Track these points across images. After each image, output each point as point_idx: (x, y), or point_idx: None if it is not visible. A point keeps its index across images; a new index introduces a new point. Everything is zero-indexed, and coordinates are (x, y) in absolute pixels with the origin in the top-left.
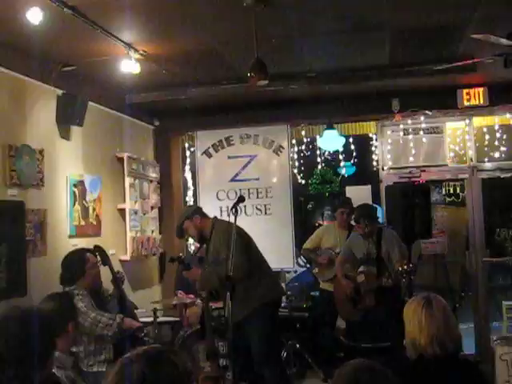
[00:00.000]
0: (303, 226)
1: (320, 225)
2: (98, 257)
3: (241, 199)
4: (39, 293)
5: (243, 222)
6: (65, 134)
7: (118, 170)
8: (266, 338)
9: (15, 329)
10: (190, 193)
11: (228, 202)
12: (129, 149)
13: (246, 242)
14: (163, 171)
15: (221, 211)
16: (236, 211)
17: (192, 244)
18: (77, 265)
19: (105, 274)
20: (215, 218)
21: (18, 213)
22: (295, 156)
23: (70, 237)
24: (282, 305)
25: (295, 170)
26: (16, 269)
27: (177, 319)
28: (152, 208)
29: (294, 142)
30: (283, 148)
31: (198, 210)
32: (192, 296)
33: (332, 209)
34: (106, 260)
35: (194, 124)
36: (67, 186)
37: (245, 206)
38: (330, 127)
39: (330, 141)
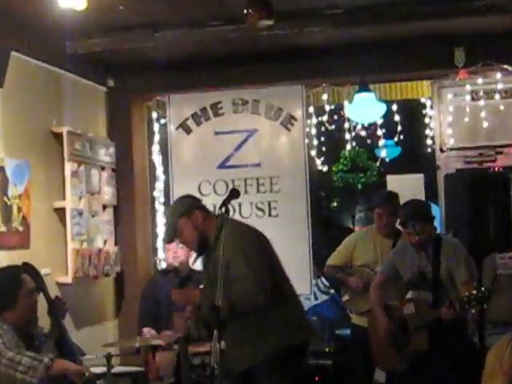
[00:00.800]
0: (325, 234)
1: (351, 231)
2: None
3: (233, 194)
4: None
5: None
6: None
7: (54, 151)
8: None
9: None
10: (159, 185)
11: (215, 197)
12: (70, 121)
13: (266, 253)
14: (120, 153)
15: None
16: (227, 211)
17: (162, 260)
18: (6, 290)
19: (39, 303)
20: (223, 215)
21: None
22: (313, 131)
23: None
24: None
25: (313, 152)
26: None
27: (140, 369)
28: (105, 207)
29: (311, 110)
30: (296, 119)
31: (197, 204)
32: (167, 334)
33: (368, 208)
34: (39, 284)
35: (165, 84)
36: None
37: (239, 205)
38: (364, 89)
39: (364, 109)
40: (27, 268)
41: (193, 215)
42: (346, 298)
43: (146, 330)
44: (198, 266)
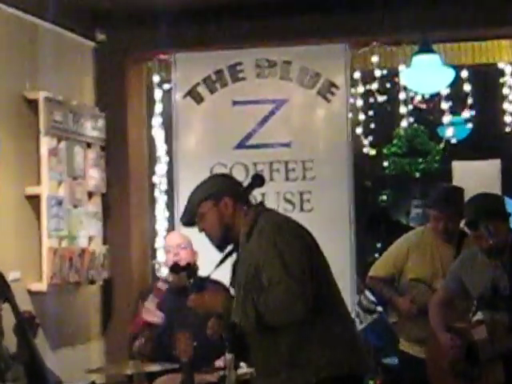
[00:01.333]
0: (371, 236)
1: (405, 229)
2: None
3: (256, 182)
4: None
5: None
6: None
7: (27, 123)
8: None
9: None
10: (160, 168)
11: None
12: (48, 84)
13: (309, 256)
14: (112, 127)
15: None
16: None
17: (161, 264)
18: None
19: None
20: (261, 205)
21: None
22: (359, 103)
23: None
24: None
25: (359, 130)
26: None
27: None
28: (91, 195)
29: (357, 76)
30: (337, 88)
31: (233, 189)
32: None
33: (426, 203)
34: (4, 292)
35: (169, 39)
36: None
37: (263, 195)
38: (426, 49)
39: (425, 75)
40: None
41: (222, 201)
42: (393, 319)
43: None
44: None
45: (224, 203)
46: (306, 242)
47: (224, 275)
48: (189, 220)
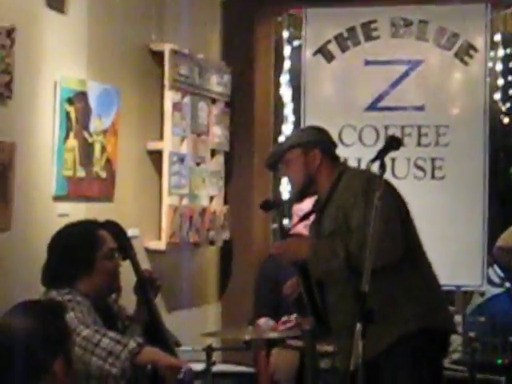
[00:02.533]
0: (500, 211)
1: None
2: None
3: (392, 144)
4: None
5: None
6: (56, 3)
7: (151, 76)
8: None
9: None
10: (286, 128)
11: (361, 149)
12: (175, 37)
13: (397, 206)
14: (238, 83)
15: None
16: (382, 167)
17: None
18: (79, 251)
19: (122, 276)
20: (345, 164)
21: None
22: (499, 67)
23: (57, 199)
24: (455, 355)
25: (497, 96)
26: None
27: (250, 370)
28: (213, 153)
29: (497, 38)
30: (476, 50)
31: (325, 143)
32: (290, 321)
33: None
34: (126, 249)
35: None
36: (55, 102)
37: (392, 160)
38: None
39: None
40: (114, 228)
41: (311, 152)
42: None
43: (262, 320)
44: None
45: (313, 154)
46: (396, 193)
47: None
48: (273, 163)
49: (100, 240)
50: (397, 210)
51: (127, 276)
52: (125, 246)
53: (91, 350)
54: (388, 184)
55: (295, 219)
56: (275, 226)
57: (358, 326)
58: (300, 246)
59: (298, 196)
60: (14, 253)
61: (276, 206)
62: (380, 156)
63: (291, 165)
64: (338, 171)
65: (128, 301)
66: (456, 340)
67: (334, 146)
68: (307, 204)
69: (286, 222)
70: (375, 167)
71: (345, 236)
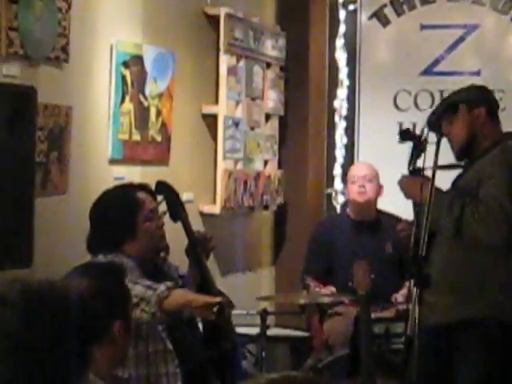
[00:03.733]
0: None
1: None
2: (164, 203)
3: (448, 109)
4: (54, 261)
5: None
6: None
7: (206, 40)
8: None
9: (12, 324)
10: (341, 93)
11: (416, 113)
12: (230, 0)
13: None
14: (293, 47)
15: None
16: (439, 133)
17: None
18: (120, 216)
19: (174, 237)
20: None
21: (20, 110)
22: None
23: (112, 162)
24: None
25: None
26: (13, 216)
27: (304, 334)
28: (268, 117)
29: None
30: None
31: (492, 102)
32: (332, 290)
33: None
34: (177, 211)
35: None
36: (111, 65)
37: None
38: None
39: None
40: (165, 189)
41: (476, 110)
42: None
43: (310, 279)
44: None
45: (478, 112)
46: None
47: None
48: (436, 119)
49: (139, 202)
50: None
51: (179, 237)
52: (176, 208)
53: (136, 303)
54: None
55: (350, 186)
56: (329, 190)
57: (415, 291)
58: (416, 188)
59: (459, 154)
60: (70, 216)
61: (416, 139)
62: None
63: (455, 122)
64: (502, 134)
65: (182, 262)
66: None
67: (497, 106)
68: (361, 170)
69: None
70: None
71: (470, 201)
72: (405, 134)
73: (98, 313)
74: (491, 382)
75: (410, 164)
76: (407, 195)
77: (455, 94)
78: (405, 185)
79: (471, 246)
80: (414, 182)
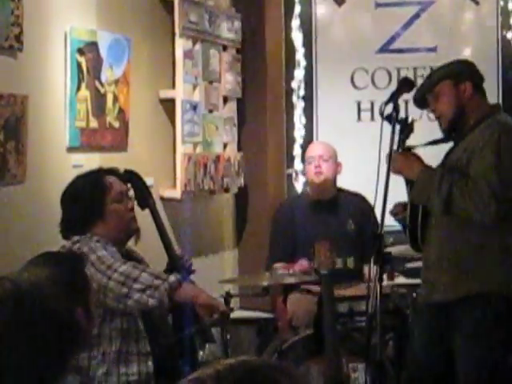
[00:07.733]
0: None
1: None
2: (132, 190)
3: (405, 85)
4: (11, 250)
5: None
6: None
7: (162, 24)
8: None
9: None
10: (298, 73)
11: (373, 92)
12: None
13: None
14: (249, 29)
15: (359, 110)
16: (396, 110)
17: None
18: (88, 198)
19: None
20: (498, 106)
21: None
22: (511, 6)
23: (70, 150)
24: None
25: (510, 35)
26: None
27: (268, 316)
28: (226, 100)
29: None
30: None
31: (476, 75)
32: (304, 264)
33: None
34: (145, 198)
35: None
36: (66, 52)
37: (406, 103)
38: None
39: None
40: (132, 176)
41: (462, 84)
42: None
43: (278, 265)
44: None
45: (464, 87)
46: None
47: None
48: (421, 96)
49: (107, 184)
50: None
51: (148, 225)
52: (144, 195)
53: (130, 284)
54: None
55: (307, 166)
56: (290, 171)
57: (374, 268)
58: (412, 165)
59: (447, 130)
60: (28, 204)
61: (402, 122)
62: (393, 98)
63: (441, 97)
64: (489, 109)
65: (150, 248)
66: None
67: (482, 80)
68: (317, 149)
69: (300, 167)
70: (389, 109)
71: (459, 179)
72: (390, 119)
73: (60, 300)
74: (495, 355)
75: (398, 146)
76: (400, 172)
77: (439, 70)
78: (398, 162)
79: (467, 223)
80: (407, 158)
